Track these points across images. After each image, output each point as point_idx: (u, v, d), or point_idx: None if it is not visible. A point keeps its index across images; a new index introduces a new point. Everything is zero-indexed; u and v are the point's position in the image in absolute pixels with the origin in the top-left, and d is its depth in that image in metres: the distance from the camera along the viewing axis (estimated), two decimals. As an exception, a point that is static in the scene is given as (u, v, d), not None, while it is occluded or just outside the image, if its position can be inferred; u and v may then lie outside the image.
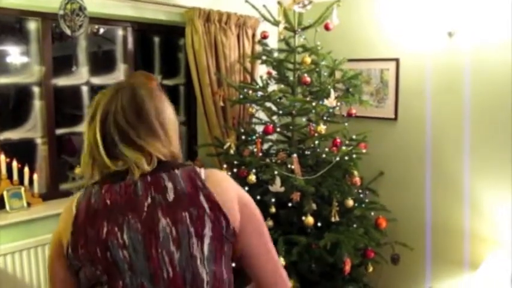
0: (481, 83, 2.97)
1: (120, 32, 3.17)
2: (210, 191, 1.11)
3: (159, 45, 3.41)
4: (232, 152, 2.97)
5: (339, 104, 2.93)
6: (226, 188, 1.15)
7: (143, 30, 3.24)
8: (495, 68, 2.90)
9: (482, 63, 2.95)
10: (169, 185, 1.10)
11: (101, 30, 3.18)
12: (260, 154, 2.93)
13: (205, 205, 1.09)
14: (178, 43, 3.41)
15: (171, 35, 3.40)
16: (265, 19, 3.06)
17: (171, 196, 1.09)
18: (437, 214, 3.24)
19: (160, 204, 1.08)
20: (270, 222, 2.77)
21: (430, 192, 3.27)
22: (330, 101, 2.79)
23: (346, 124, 3.08)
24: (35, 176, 2.69)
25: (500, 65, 2.88)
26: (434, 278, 3.29)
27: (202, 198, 1.10)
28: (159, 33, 3.37)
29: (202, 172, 1.15)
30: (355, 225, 2.89)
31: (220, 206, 1.10)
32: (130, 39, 3.17)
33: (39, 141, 2.81)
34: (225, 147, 2.99)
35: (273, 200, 2.76)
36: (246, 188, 2.86)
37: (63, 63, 2.92)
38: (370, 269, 2.97)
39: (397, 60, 3.28)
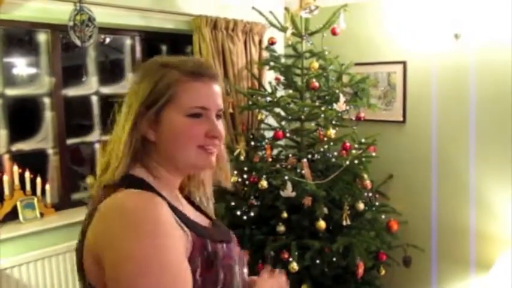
0: (487, 84, 2.99)
1: (128, 41, 3.19)
2: (87, 231, 0.93)
3: (167, 54, 3.43)
4: (242, 158, 2.98)
5: (347, 108, 2.94)
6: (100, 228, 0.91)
7: (151, 38, 3.26)
8: (501, 68, 2.91)
9: (488, 64, 2.96)
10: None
11: (107, 40, 3.20)
12: (270, 160, 2.94)
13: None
14: (186, 51, 3.43)
15: (178, 43, 3.42)
16: (272, 25, 3.08)
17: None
18: (447, 216, 3.24)
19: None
20: (282, 227, 2.78)
21: (440, 194, 3.27)
22: (340, 105, 2.80)
23: (355, 128, 3.08)
24: (47, 186, 2.71)
25: (506, 66, 2.89)
26: (445, 279, 3.29)
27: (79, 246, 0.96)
28: (166, 41, 3.39)
29: (104, 201, 0.92)
30: (366, 229, 2.90)
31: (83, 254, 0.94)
32: (138, 48, 3.19)
33: (50, 151, 2.83)
34: (235, 153, 3.00)
35: (285, 205, 2.76)
36: (257, 194, 2.88)
37: (71, 73, 2.94)
38: (383, 271, 2.98)
39: (404, 63, 3.29)
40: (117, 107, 1.04)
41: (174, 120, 0.98)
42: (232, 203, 2.97)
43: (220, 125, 1.04)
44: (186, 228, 0.94)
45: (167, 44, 3.41)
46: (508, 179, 2.95)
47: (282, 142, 3.12)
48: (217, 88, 1.04)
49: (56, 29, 2.72)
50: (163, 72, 1.00)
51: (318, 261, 2.70)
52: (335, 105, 2.84)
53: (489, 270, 2.91)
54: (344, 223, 2.77)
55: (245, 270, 1.10)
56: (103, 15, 2.68)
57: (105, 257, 0.85)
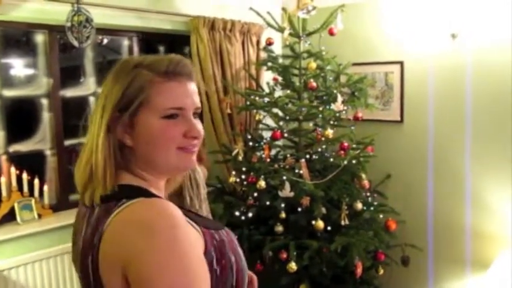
0: (483, 84, 3.00)
1: (125, 42, 3.19)
2: (99, 248, 0.89)
3: (165, 54, 3.42)
4: (240, 158, 2.98)
5: (345, 108, 2.95)
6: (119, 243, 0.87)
7: (148, 39, 3.26)
8: (498, 69, 2.93)
9: (485, 64, 2.98)
10: (83, 228, 0.96)
11: (105, 40, 3.20)
12: (268, 160, 2.95)
13: (89, 267, 0.91)
14: (184, 51, 3.43)
15: (176, 43, 3.42)
16: (270, 26, 3.08)
17: (80, 243, 0.96)
18: (445, 215, 3.25)
19: (79, 248, 0.97)
20: (280, 228, 2.79)
21: (438, 193, 3.28)
22: (337, 105, 2.81)
23: (352, 128, 3.09)
24: (45, 188, 2.70)
25: (502, 66, 2.91)
26: (443, 279, 3.29)
27: (89, 258, 0.91)
28: (164, 42, 3.39)
29: (115, 212, 0.89)
30: (364, 228, 2.91)
31: (100, 275, 0.89)
32: (135, 49, 3.19)
33: (48, 152, 2.83)
34: (233, 154, 3.00)
35: (283, 205, 2.77)
36: (256, 194, 2.88)
37: (69, 74, 2.93)
38: (381, 271, 2.98)
39: (401, 63, 3.30)
40: (90, 110, 1.02)
41: (150, 123, 0.95)
42: (231, 203, 2.97)
43: (199, 124, 1.01)
44: (195, 225, 0.95)
45: (165, 44, 3.41)
46: (505, 178, 2.96)
47: (280, 142, 3.13)
48: (193, 86, 1.01)
49: (53, 30, 2.72)
50: (135, 74, 0.96)
51: (316, 261, 2.71)
52: (333, 105, 2.85)
53: (487, 270, 2.92)
54: (342, 223, 2.78)
55: None
56: (100, 16, 2.68)
57: (132, 271, 0.83)
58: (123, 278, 0.85)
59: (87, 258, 0.91)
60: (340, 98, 2.84)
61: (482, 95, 3.02)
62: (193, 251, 0.88)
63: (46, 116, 2.80)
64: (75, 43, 2.58)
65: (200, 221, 1.00)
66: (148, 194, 0.95)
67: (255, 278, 1.20)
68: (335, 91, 2.91)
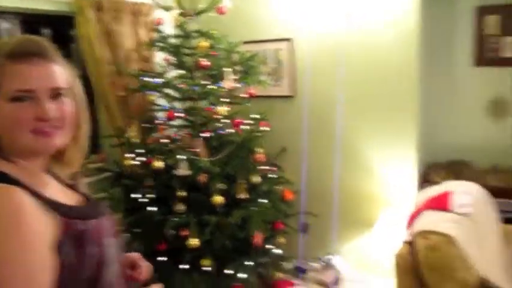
0: (354, 59, 3.22)
1: (5, 25, 3.00)
2: None
3: (50, 37, 3.27)
4: (135, 140, 2.96)
5: (237, 85, 3.02)
6: None
7: (31, 21, 3.09)
8: (367, 47, 3.16)
9: (356, 44, 3.19)
10: None
11: (-17, 24, 2.99)
12: (165, 140, 2.95)
13: None
14: (71, 34, 3.29)
15: (61, 25, 3.27)
16: (158, 6, 3.06)
17: None
18: (337, 181, 3.45)
19: None
20: (182, 206, 2.82)
21: (322, 161, 3.48)
22: (227, 83, 2.87)
23: (248, 104, 3.18)
24: None
25: (372, 46, 3.15)
26: (341, 241, 3.51)
27: None
28: (48, 24, 3.23)
29: None
30: (263, 201, 3.03)
31: None
32: (18, 33, 3.01)
33: None
34: (127, 135, 2.97)
35: (183, 184, 2.80)
36: (154, 175, 2.88)
37: None
38: (282, 239, 3.13)
39: (290, 40, 3.43)
40: None
41: (0, 107, 0.95)
42: (129, 186, 2.95)
43: (59, 104, 1.00)
44: (51, 213, 0.94)
45: (50, 27, 3.25)
46: (380, 143, 3.24)
47: (176, 122, 3.14)
48: (49, 66, 0.99)
49: None
50: None
51: (217, 235, 2.78)
52: (222, 83, 2.91)
53: (371, 228, 3.19)
54: (242, 196, 2.88)
55: (119, 240, 1.13)
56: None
57: None
58: None
59: None
60: (228, 76, 2.90)
61: (353, 66, 3.24)
62: (36, 240, 0.88)
63: None
64: None
65: (60, 208, 0.98)
66: (3, 179, 0.93)
67: (143, 267, 1.24)
68: (226, 69, 2.96)
